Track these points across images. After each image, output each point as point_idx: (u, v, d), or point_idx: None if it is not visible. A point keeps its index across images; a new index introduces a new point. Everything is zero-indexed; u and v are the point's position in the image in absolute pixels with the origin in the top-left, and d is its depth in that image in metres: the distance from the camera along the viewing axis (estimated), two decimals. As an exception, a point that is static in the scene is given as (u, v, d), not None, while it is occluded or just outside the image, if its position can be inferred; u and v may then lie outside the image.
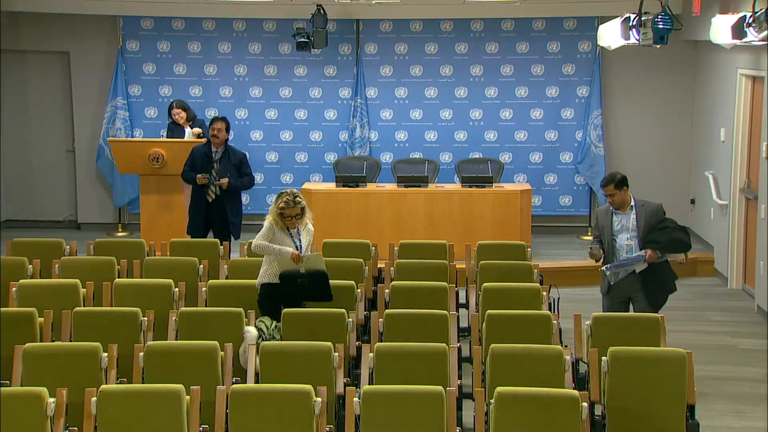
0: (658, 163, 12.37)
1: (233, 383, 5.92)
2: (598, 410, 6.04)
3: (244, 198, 11.86)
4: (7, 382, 6.07)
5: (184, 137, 10.81)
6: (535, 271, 8.10)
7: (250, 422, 5.30)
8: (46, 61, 12.80)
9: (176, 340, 6.75)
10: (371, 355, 6.01)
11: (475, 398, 5.57)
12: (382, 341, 6.54)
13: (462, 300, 8.45)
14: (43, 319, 6.84)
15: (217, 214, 9.62)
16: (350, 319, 6.81)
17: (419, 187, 10.95)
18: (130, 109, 12.47)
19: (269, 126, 12.63)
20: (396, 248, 8.75)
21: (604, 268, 7.43)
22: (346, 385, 6.02)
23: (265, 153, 12.64)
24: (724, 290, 10.55)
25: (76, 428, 5.47)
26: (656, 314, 6.82)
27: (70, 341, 6.73)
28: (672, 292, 7.50)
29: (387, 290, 7.50)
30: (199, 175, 9.54)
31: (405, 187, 10.98)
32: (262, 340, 6.70)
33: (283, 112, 12.60)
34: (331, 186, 11.16)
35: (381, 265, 8.68)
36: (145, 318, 6.73)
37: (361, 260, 8.13)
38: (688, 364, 5.88)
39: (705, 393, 7.30)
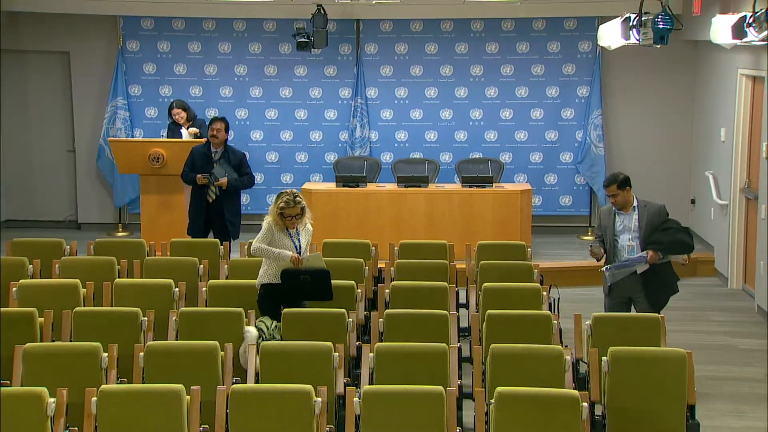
0: (659, 163, 12.37)
1: (233, 383, 5.92)
2: (598, 410, 6.04)
3: (244, 198, 11.89)
4: (8, 382, 6.07)
5: (180, 138, 10.82)
6: (536, 271, 8.10)
7: (250, 422, 5.30)
8: (47, 61, 12.80)
9: (176, 340, 6.75)
10: (371, 355, 6.01)
11: (475, 398, 5.57)
12: (382, 341, 6.54)
13: (462, 300, 8.45)
14: (43, 319, 6.84)
15: (218, 215, 9.62)
16: (350, 319, 6.81)
17: (419, 187, 10.95)
18: (131, 109, 12.47)
19: (269, 126, 12.63)
20: (396, 248, 8.76)
21: (603, 268, 7.43)
22: (346, 385, 6.02)
23: (266, 153, 12.64)
24: (724, 290, 10.55)
25: (76, 428, 5.47)
26: (656, 314, 6.83)
27: (71, 341, 6.73)
28: (674, 294, 7.49)
29: (387, 290, 7.50)
30: (199, 176, 9.54)
31: (405, 187, 10.98)
32: (263, 340, 6.70)
33: (283, 112, 12.60)
34: (331, 186, 11.16)
35: (381, 265, 8.68)
36: (146, 318, 6.73)
37: (362, 260, 8.13)
38: (688, 364, 5.88)
39: (705, 393, 7.30)
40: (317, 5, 11.47)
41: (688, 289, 10.16)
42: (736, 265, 10.48)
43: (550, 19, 12.20)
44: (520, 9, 11.73)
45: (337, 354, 6.01)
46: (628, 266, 7.33)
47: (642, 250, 7.31)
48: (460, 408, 6.04)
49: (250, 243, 7.51)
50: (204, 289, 7.50)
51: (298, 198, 7.19)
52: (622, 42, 8.99)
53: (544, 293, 7.38)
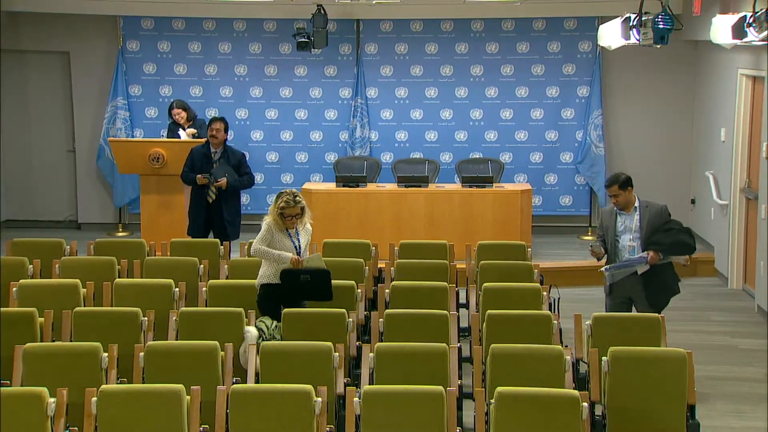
0: (659, 163, 12.37)
1: (233, 383, 5.92)
2: (598, 410, 6.03)
3: (244, 198, 11.89)
4: (8, 382, 6.07)
5: (179, 138, 10.82)
6: (536, 271, 8.10)
7: (250, 422, 5.30)
8: (47, 61, 12.80)
9: (176, 340, 6.75)
10: (371, 355, 6.01)
11: (475, 398, 5.57)
12: (382, 341, 6.53)
13: (462, 300, 8.45)
14: (43, 319, 6.84)
15: (218, 215, 9.62)
16: (350, 319, 6.81)
17: (419, 187, 10.95)
18: (131, 109, 12.47)
19: (269, 126, 12.63)
20: (396, 248, 8.75)
21: (603, 268, 7.43)
22: (346, 385, 6.02)
23: (266, 153, 12.64)
24: (724, 290, 10.55)
25: (76, 428, 5.47)
26: (656, 314, 6.82)
27: (71, 341, 6.73)
28: (675, 294, 7.48)
29: (387, 290, 7.50)
30: (199, 176, 9.54)
31: (405, 187, 10.98)
32: (263, 340, 6.70)
33: (283, 112, 12.60)
34: (332, 186, 11.16)
35: (381, 265, 8.68)
36: (146, 318, 6.73)
37: (362, 260, 8.13)
38: (688, 364, 5.88)
39: (705, 393, 7.30)
40: (317, 5, 11.47)
41: (688, 289, 10.14)
42: (736, 265, 10.48)
43: (550, 19, 12.20)
44: (520, 9, 11.73)
45: (337, 354, 6.01)
46: (628, 266, 7.32)
47: (643, 251, 7.31)
48: (460, 408, 6.04)
49: (250, 243, 7.52)
50: (204, 289, 7.50)
51: (298, 198, 7.19)
52: (622, 42, 8.98)
53: (544, 293, 7.38)
